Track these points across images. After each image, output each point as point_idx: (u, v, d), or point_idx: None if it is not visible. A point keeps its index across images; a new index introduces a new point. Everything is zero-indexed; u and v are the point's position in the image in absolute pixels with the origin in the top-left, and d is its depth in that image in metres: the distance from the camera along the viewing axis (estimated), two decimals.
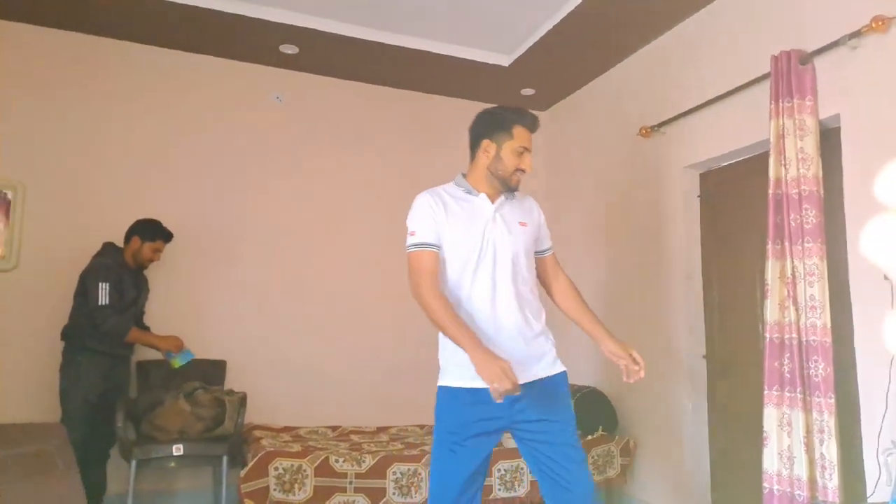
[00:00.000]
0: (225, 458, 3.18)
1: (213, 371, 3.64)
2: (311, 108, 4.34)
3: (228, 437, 3.21)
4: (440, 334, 2.03)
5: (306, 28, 3.66)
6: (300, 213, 4.22)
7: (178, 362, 3.30)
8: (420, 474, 3.19)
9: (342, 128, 4.40)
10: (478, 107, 5.55)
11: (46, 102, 3.69)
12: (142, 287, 3.46)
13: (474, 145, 2.16)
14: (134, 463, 3.05)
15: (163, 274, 3.70)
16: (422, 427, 4.14)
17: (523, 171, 2.08)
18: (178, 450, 3.07)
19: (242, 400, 3.32)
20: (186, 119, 4.02)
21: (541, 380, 2.02)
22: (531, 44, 3.83)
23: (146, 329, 3.48)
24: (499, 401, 1.75)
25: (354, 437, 3.80)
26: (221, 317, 3.93)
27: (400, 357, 4.31)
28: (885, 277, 2.35)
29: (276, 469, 3.01)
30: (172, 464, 3.17)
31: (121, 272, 3.28)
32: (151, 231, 3.38)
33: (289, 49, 3.95)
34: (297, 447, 3.29)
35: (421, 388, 4.33)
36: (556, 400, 2.03)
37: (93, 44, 3.81)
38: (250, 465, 3.01)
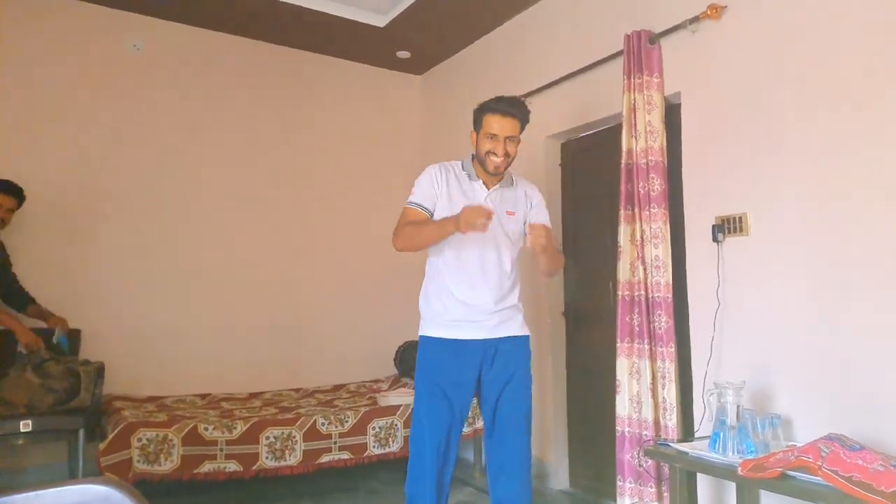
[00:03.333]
0: (81, 432, 3.00)
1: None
2: (174, 59, 4.04)
3: (84, 410, 3.02)
4: (423, 290, 2.38)
5: None
6: (159, 171, 3.95)
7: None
8: (294, 437, 3.20)
9: (209, 81, 4.16)
10: (353, 67, 5.52)
11: None
12: None
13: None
14: None
15: (12, 237, 3.35)
16: (297, 391, 4.13)
17: (495, 154, 2.25)
18: (26, 426, 2.84)
19: (99, 370, 3.12)
20: (41, 68, 3.62)
21: (509, 337, 2.34)
22: (407, 5, 3.82)
23: (30, 301, 3.28)
24: (484, 230, 2.09)
25: (225, 405, 3.71)
26: (75, 283, 3.63)
27: (272, 321, 4.24)
28: (714, 240, 2.66)
29: (140, 440, 2.89)
30: (21, 441, 2.93)
31: None
32: None
33: None
34: (162, 417, 3.16)
35: (295, 352, 4.33)
36: (518, 356, 2.35)
37: None
38: (110, 437, 2.86)
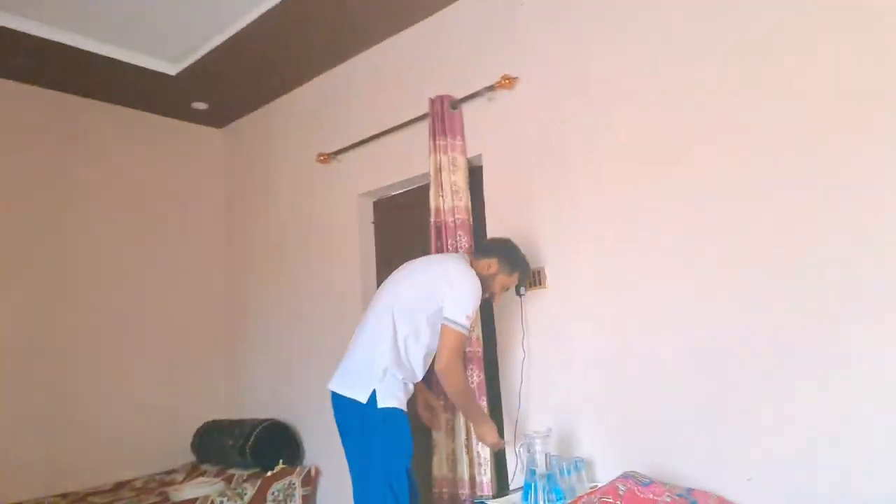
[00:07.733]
0: None
1: None
2: None
3: None
4: (381, 360, 2.31)
5: None
6: None
7: None
8: None
9: None
10: (143, 117, 5.05)
11: None
12: None
13: (486, 254, 2.53)
14: None
15: None
16: (63, 496, 3.40)
17: (493, 298, 2.57)
18: None
19: None
20: None
21: None
22: (199, 56, 3.60)
23: None
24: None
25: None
26: None
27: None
28: (517, 293, 2.76)
29: None
30: None
31: None
32: None
33: None
34: None
35: (61, 449, 3.59)
36: None
37: None
38: None
